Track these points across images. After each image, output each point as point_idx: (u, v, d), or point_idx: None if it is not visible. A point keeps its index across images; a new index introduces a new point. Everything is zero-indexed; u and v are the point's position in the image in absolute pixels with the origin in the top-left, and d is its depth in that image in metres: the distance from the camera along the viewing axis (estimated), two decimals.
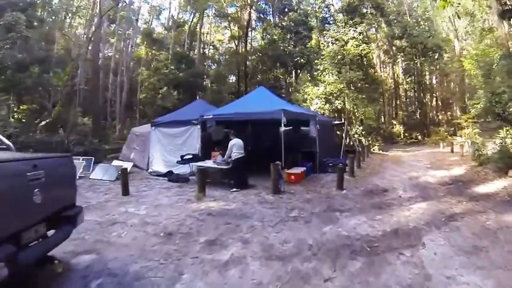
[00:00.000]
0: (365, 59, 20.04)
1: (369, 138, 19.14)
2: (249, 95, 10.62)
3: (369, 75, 20.93)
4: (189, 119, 9.86)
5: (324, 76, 18.83)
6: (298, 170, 8.81)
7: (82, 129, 19.23)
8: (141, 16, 32.71)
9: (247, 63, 27.20)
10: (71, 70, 18.58)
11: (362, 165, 11.82)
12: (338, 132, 16.46)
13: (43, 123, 16.53)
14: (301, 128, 12.57)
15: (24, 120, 16.94)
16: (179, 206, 6.07)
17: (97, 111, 17.73)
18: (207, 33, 34.35)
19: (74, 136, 16.44)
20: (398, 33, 22.56)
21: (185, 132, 10.14)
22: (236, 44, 29.27)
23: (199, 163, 8.53)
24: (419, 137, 25.67)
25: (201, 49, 31.85)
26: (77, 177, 9.79)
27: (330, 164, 10.17)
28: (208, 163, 8.30)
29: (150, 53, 29.92)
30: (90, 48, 16.87)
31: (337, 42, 19.41)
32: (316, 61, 20.02)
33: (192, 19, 29.05)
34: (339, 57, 18.36)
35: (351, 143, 17.62)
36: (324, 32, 20.88)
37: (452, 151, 16.23)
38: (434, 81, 29.90)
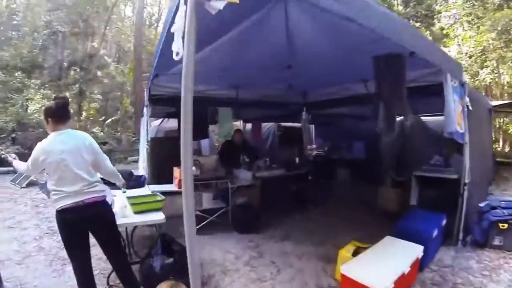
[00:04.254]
0: None
1: None
2: None
3: None
4: None
5: (455, 30, 10.44)
6: (392, 269, 2.08)
7: None
8: None
9: None
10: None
11: None
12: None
13: (108, 121, 15.65)
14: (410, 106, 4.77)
15: (91, 118, 16.14)
16: None
17: None
18: None
19: None
20: None
21: None
22: None
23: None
24: None
25: None
26: None
27: (501, 219, 2.90)
28: None
29: None
30: None
31: None
32: (439, 8, 11.64)
33: None
34: None
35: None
36: None
37: None
38: None
